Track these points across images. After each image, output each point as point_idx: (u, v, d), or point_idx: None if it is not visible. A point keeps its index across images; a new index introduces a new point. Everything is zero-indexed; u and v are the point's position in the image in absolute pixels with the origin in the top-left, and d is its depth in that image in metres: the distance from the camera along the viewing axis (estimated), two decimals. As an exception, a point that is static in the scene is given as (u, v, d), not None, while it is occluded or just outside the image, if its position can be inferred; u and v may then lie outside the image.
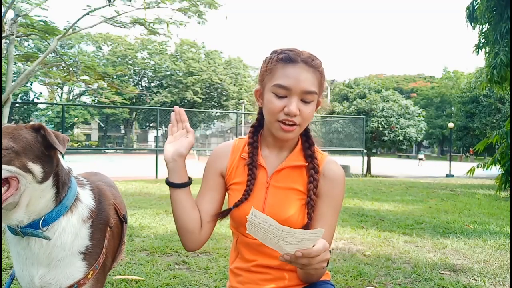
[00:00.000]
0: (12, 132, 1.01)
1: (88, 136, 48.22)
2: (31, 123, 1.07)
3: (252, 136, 1.35)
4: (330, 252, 1.17)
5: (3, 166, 0.96)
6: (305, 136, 1.34)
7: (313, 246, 1.02)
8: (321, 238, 1.23)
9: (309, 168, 1.29)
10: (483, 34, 8.23)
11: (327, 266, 1.12)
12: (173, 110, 1.30)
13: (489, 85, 8.14)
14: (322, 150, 1.37)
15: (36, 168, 1.01)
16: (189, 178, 1.28)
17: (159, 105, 36.64)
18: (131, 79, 41.32)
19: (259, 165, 1.31)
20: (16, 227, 1.03)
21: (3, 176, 0.96)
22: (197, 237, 1.30)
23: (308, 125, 1.30)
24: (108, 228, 1.15)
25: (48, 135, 1.04)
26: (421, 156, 30.93)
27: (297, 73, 1.19)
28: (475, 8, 8.23)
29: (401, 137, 21.49)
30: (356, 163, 17.85)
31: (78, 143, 39.24)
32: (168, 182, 1.26)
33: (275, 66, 1.22)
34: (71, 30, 9.83)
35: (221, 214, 1.34)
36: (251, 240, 1.29)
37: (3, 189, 0.97)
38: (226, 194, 1.38)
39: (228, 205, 1.32)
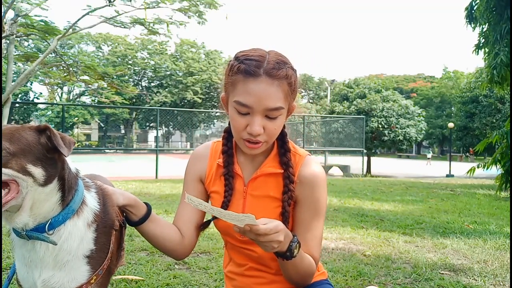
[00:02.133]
0: (11, 133, 0.97)
1: (88, 136, 48.23)
2: (37, 123, 1.04)
3: (226, 142, 1.28)
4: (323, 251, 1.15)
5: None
6: (281, 141, 1.26)
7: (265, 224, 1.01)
8: (309, 247, 1.22)
9: (284, 177, 1.23)
10: (483, 34, 8.23)
11: (292, 254, 1.10)
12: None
13: (489, 85, 8.15)
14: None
15: (37, 171, 0.98)
16: (147, 206, 1.24)
17: (159, 105, 36.67)
18: (131, 79, 41.36)
19: (235, 174, 1.27)
20: (22, 230, 1.01)
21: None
22: (180, 250, 1.29)
23: (284, 128, 1.24)
24: (113, 231, 1.14)
25: (54, 136, 1.00)
26: (429, 155, 30.96)
27: (259, 89, 1.09)
28: (474, 8, 8.23)
29: (401, 137, 21.51)
30: (356, 163, 17.83)
31: (78, 143, 39.20)
32: (129, 224, 1.25)
33: (236, 79, 1.12)
34: (71, 30, 9.84)
35: (202, 226, 1.33)
36: (240, 246, 1.28)
37: (3, 193, 0.94)
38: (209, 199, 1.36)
39: None
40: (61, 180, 1.04)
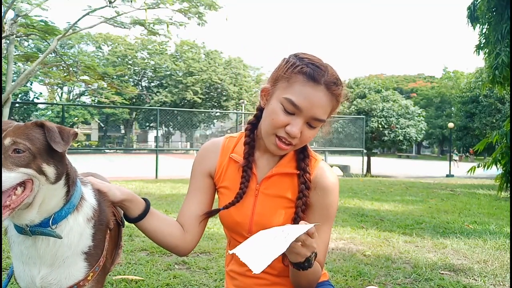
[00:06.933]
0: (25, 132, 0.98)
1: (88, 136, 48.20)
2: (33, 120, 1.04)
3: (250, 134, 1.27)
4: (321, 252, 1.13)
5: (21, 169, 0.94)
6: (302, 147, 1.25)
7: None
8: (317, 252, 1.19)
9: (300, 182, 1.22)
10: (483, 34, 8.23)
11: (310, 265, 1.09)
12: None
13: (490, 85, 8.14)
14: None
15: (50, 170, 0.99)
16: (145, 202, 1.23)
17: (159, 105, 36.63)
18: (131, 79, 41.34)
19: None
20: (25, 226, 1.01)
21: (21, 179, 0.95)
22: (182, 246, 1.27)
23: None
24: (108, 230, 1.14)
25: (48, 132, 1.00)
26: (456, 157, 30.09)
27: (314, 97, 1.10)
28: (476, 8, 8.23)
29: (401, 137, 21.52)
30: (356, 163, 17.85)
31: (78, 143, 39.16)
32: (128, 221, 1.23)
33: (295, 77, 1.11)
34: (71, 30, 9.85)
35: (209, 214, 1.31)
36: None
37: (19, 191, 0.96)
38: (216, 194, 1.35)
39: (218, 206, 1.30)
40: (67, 176, 1.05)
